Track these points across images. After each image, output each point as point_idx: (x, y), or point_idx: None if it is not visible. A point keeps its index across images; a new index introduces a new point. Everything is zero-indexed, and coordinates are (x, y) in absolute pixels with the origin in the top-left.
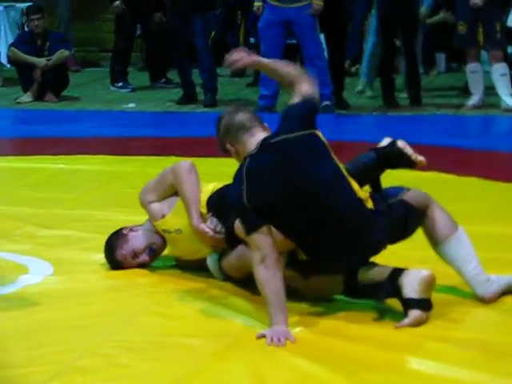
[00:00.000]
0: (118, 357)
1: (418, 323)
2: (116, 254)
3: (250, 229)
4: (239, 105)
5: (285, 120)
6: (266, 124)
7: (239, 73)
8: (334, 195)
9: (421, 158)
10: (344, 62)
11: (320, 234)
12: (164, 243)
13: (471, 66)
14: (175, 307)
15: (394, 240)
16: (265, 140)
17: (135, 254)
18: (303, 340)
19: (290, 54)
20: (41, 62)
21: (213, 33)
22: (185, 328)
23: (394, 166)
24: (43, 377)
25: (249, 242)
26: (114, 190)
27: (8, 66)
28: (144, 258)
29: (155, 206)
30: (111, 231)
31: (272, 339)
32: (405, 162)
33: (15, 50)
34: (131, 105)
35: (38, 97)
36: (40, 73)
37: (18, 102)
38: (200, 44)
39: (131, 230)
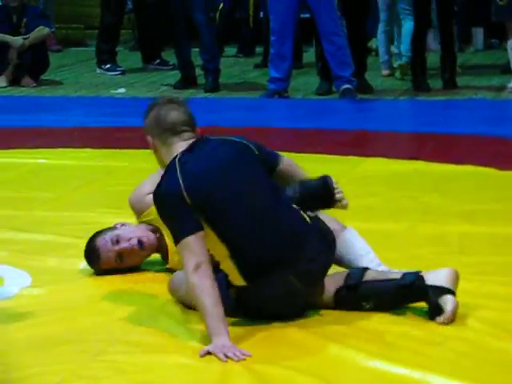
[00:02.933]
0: (107, 380)
1: (455, 312)
2: (96, 241)
3: (183, 233)
4: (177, 99)
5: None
6: (198, 128)
7: (246, 51)
8: (266, 194)
9: (345, 201)
10: (366, 39)
11: (255, 233)
12: (156, 241)
13: None
14: (168, 322)
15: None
16: (198, 140)
17: (117, 241)
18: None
19: (304, 30)
20: (17, 40)
21: (220, 5)
22: (181, 346)
23: (311, 208)
24: None
25: (180, 246)
26: (101, 188)
27: None
28: (125, 245)
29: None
30: None
31: (226, 355)
32: (325, 202)
33: None
34: (121, 90)
35: (14, 81)
36: (16, 53)
37: None
38: (200, 19)
39: (123, 224)
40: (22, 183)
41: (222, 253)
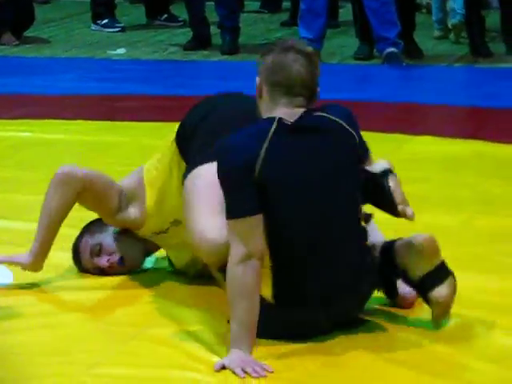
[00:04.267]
0: None
1: (445, 306)
2: (81, 241)
3: (242, 211)
4: (310, 50)
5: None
6: (318, 88)
7: (271, 6)
8: (345, 226)
9: (409, 213)
10: None
11: (311, 261)
12: (139, 258)
13: None
14: (173, 329)
15: None
16: (309, 112)
17: (98, 251)
18: None
19: None
20: None
21: None
22: (189, 358)
23: (373, 203)
24: None
25: (232, 226)
26: (97, 167)
27: None
28: (103, 261)
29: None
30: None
31: (244, 370)
32: (387, 206)
33: None
34: (120, 50)
35: None
36: None
37: None
38: None
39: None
40: (2, 160)
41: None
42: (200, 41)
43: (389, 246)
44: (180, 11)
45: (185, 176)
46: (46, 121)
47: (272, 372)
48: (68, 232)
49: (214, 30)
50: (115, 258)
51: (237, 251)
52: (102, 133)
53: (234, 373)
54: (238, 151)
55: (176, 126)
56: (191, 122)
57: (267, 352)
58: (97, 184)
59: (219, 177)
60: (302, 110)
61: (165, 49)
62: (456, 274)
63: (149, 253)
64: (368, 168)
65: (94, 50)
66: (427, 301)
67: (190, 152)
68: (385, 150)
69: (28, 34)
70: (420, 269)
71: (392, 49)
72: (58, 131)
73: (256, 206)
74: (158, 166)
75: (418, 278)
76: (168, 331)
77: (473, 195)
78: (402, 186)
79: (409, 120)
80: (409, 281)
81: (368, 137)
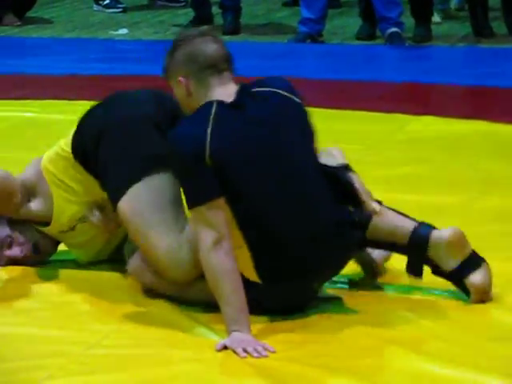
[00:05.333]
0: (101, 376)
1: (482, 292)
2: None
3: (201, 197)
4: (208, 29)
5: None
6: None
7: None
8: (309, 187)
9: (376, 208)
10: None
11: (286, 230)
12: (51, 243)
13: None
14: (173, 311)
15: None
16: (245, 88)
17: (9, 243)
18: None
19: None
20: None
21: None
22: (189, 339)
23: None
24: None
25: (195, 214)
26: None
27: None
28: (15, 252)
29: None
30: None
31: (245, 350)
32: (351, 201)
33: None
34: (122, 31)
35: None
36: None
37: None
38: None
39: None
40: (3, 141)
41: (236, 241)
42: (201, 21)
43: (419, 239)
44: None
45: (113, 200)
46: (48, 101)
47: (273, 351)
48: None
49: (215, 10)
50: (28, 247)
51: (206, 237)
52: None
53: (235, 352)
54: (185, 140)
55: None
56: (91, 135)
57: (265, 331)
58: None
59: (174, 169)
60: (235, 88)
61: (167, 29)
62: None
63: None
64: (324, 161)
65: (95, 30)
66: (464, 289)
67: (100, 163)
68: (386, 131)
69: (30, 14)
70: (453, 261)
71: (394, 29)
72: (59, 112)
73: (215, 190)
74: (56, 165)
75: (451, 269)
76: (168, 311)
77: (475, 175)
78: (361, 180)
79: (411, 100)
80: (442, 273)
81: (370, 117)
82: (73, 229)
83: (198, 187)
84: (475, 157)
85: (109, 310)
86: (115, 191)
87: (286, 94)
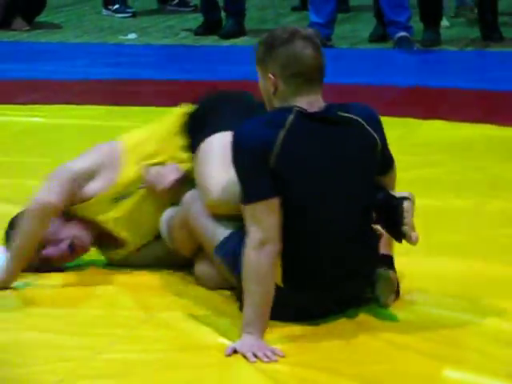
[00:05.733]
0: (112, 380)
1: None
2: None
3: (257, 195)
4: (312, 33)
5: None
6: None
7: None
8: (357, 220)
9: (414, 237)
10: None
11: (324, 251)
12: (90, 241)
13: None
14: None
15: None
16: (332, 107)
17: (48, 240)
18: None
19: None
20: None
21: None
22: (198, 343)
23: (382, 223)
24: None
25: (249, 211)
26: None
27: None
28: (52, 251)
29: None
30: None
31: (255, 355)
32: (394, 226)
33: None
34: (132, 36)
35: (3, 23)
36: None
37: None
38: None
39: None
40: (13, 146)
41: None
42: (211, 26)
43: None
44: None
45: (196, 144)
46: (57, 106)
47: (283, 356)
48: None
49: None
50: (64, 245)
51: (253, 236)
52: (112, 118)
53: (244, 357)
54: (253, 138)
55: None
56: (201, 113)
57: (278, 335)
58: (68, 196)
59: (234, 163)
60: (321, 101)
61: (176, 34)
62: (467, 258)
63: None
64: (389, 193)
65: (105, 35)
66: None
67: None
68: (396, 135)
69: (39, 19)
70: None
71: (403, 33)
72: (68, 116)
73: (272, 190)
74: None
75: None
76: (178, 315)
77: (484, 179)
78: (414, 214)
79: (420, 104)
80: None
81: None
82: (125, 197)
83: (256, 185)
84: (484, 161)
85: (117, 315)
86: (203, 137)
87: (365, 125)
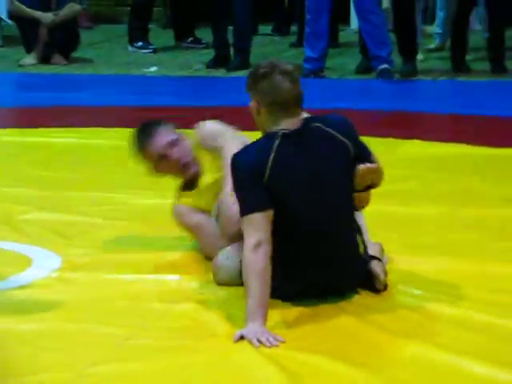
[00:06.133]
0: (138, 363)
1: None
2: (161, 126)
3: (254, 206)
4: (292, 68)
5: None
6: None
7: (281, 30)
8: (341, 221)
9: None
10: (414, 19)
11: (312, 258)
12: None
13: None
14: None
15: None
16: (309, 122)
17: (174, 143)
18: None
19: (341, 8)
20: (47, 17)
21: None
22: (214, 330)
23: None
24: None
25: (245, 220)
26: (133, 168)
27: (9, 22)
28: (177, 154)
29: None
30: (130, 217)
31: (259, 340)
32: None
33: (17, 2)
34: (153, 68)
35: (44, 59)
36: (46, 30)
37: (21, 65)
38: (237, 1)
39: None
40: (51, 163)
41: None
42: (221, 60)
43: None
44: (204, 35)
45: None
46: (90, 129)
47: (283, 341)
48: (102, 222)
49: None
50: (185, 158)
51: (250, 241)
52: None
53: (250, 342)
54: (249, 160)
55: None
56: None
57: (279, 321)
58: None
59: (234, 183)
60: (301, 119)
61: (190, 67)
62: (440, 257)
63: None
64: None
65: (130, 68)
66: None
67: None
68: (379, 152)
69: (74, 55)
70: None
71: (385, 65)
72: (99, 137)
73: (266, 203)
74: None
75: None
76: (193, 308)
77: (455, 190)
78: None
79: (400, 126)
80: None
81: (365, 141)
82: None
83: (253, 197)
84: (455, 174)
85: (142, 307)
86: None
87: (336, 134)
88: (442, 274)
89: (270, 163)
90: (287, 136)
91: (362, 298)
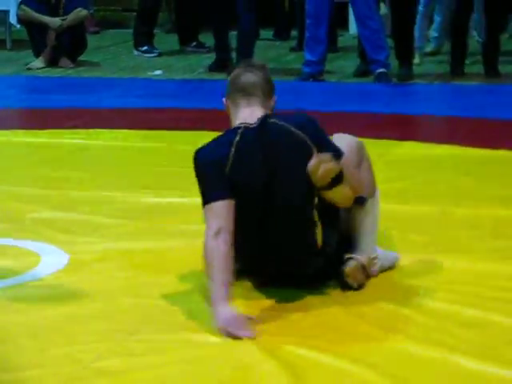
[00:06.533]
0: (144, 357)
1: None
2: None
3: (215, 196)
4: (257, 64)
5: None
6: (274, 97)
7: (282, 34)
8: (294, 214)
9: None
10: (411, 24)
11: (258, 241)
12: None
13: None
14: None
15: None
16: (266, 118)
17: None
18: None
19: (340, 13)
20: (55, 22)
21: None
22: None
23: None
24: (59, 379)
25: (206, 209)
26: (138, 168)
27: (18, 26)
28: None
29: None
30: (135, 215)
31: (233, 334)
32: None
33: (26, 8)
34: (158, 72)
35: (52, 62)
36: (54, 35)
37: (29, 68)
38: (241, 4)
39: None
40: (59, 163)
41: None
42: (222, 64)
43: None
44: (207, 39)
45: None
46: (96, 130)
47: (254, 318)
48: (108, 221)
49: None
50: None
51: (211, 226)
52: (142, 140)
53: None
54: (211, 153)
55: (203, 134)
56: None
57: (274, 316)
58: None
59: (197, 175)
60: (260, 114)
61: (194, 70)
62: (434, 254)
63: None
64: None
65: (136, 71)
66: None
67: None
68: (375, 153)
69: (81, 58)
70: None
71: (382, 69)
72: (104, 138)
73: (226, 192)
74: None
75: None
76: (194, 305)
77: (448, 190)
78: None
79: (396, 128)
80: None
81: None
82: None
83: (214, 187)
84: (448, 175)
85: (146, 303)
86: None
87: (296, 131)
88: (435, 271)
89: (230, 157)
90: (246, 133)
91: (354, 293)
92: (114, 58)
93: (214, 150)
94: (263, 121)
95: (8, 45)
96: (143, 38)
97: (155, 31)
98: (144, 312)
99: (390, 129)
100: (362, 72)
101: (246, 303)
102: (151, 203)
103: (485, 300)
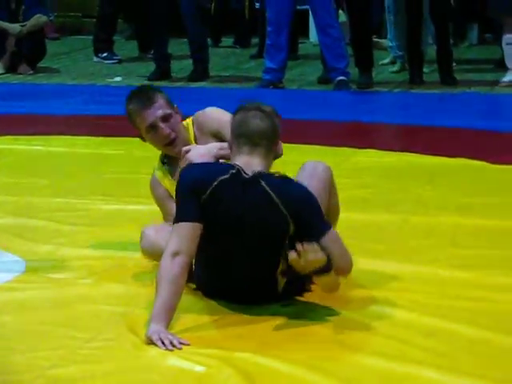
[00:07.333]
0: (99, 365)
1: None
2: (160, 94)
3: (184, 216)
4: (268, 109)
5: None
6: (280, 144)
7: (242, 42)
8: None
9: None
10: (370, 33)
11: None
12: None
13: (508, 37)
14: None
15: None
16: (259, 178)
17: (167, 119)
18: None
19: (300, 21)
20: (15, 28)
21: None
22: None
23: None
24: None
25: (174, 227)
26: (96, 175)
27: None
28: (167, 130)
29: None
30: (93, 223)
31: (162, 342)
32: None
33: None
34: (117, 78)
35: (11, 68)
36: (13, 41)
37: None
38: (186, 8)
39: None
40: (18, 170)
41: None
42: (161, 72)
43: None
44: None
45: None
46: (55, 137)
47: (188, 344)
48: (66, 228)
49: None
50: (173, 135)
51: (170, 247)
52: (101, 147)
53: (153, 343)
54: (195, 177)
55: None
56: None
57: (187, 328)
58: None
59: (176, 191)
60: (259, 167)
61: None
62: (392, 264)
63: None
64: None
65: (95, 78)
66: None
67: None
68: (334, 162)
69: (41, 65)
70: None
71: (342, 77)
72: (64, 145)
73: (196, 216)
74: None
75: None
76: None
77: (407, 198)
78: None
79: (355, 136)
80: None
81: (320, 150)
82: None
83: (186, 210)
84: (407, 182)
85: (102, 310)
86: None
87: (279, 204)
88: (395, 280)
89: (210, 189)
90: (236, 178)
91: (314, 303)
92: (73, 64)
93: (199, 175)
94: (255, 179)
95: None
96: (103, 45)
97: (115, 38)
98: (101, 319)
99: (350, 137)
100: (325, 79)
101: (202, 309)
102: (110, 210)
103: (444, 309)
